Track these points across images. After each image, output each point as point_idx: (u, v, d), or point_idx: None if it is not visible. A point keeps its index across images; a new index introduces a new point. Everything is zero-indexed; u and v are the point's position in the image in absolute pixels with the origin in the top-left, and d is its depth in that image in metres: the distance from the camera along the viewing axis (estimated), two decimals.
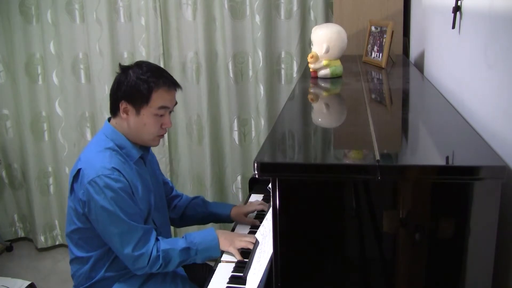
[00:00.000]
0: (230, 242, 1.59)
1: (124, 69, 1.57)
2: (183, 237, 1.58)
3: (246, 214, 1.85)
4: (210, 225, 3.02)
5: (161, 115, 1.56)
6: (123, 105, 1.54)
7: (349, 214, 0.99)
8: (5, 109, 3.12)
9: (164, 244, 1.53)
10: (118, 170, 1.49)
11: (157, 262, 1.50)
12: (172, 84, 1.58)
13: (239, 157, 2.89)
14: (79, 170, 1.51)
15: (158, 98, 1.53)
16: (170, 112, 1.61)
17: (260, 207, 1.87)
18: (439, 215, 0.95)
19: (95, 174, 1.46)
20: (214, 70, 2.80)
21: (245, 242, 1.59)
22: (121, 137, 1.57)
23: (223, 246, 1.59)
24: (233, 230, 1.82)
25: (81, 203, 1.51)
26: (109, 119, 1.63)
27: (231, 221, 1.88)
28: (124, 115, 1.55)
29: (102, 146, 1.55)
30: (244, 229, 1.80)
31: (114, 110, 1.59)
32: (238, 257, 1.56)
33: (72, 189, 1.55)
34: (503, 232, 0.96)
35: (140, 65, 1.57)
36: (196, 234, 1.60)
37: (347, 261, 1.01)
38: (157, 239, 1.54)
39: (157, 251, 1.51)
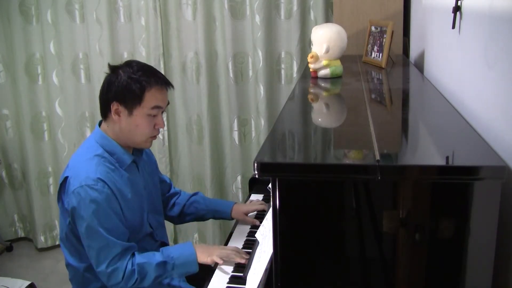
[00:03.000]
0: (208, 254, 1.54)
1: (113, 69, 1.52)
2: (159, 251, 1.53)
3: (246, 213, 1.84)
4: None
5: (154, 115, 1.52)
6: (114, 106, 1.49)
7: (349, 214, 0.99)
8: (5, 109, 3.12)
9: (139, 258, 1.48)
10: (103, 181, 1.44)
11: (132, 277, 1.45)
12: (165, 83, 1.53)
13: (239, 157, 2.89)
14: (66, 178, 1.48)
15: (151, 97, 1.49)
16: (163, 112, 1.57)
17: (261, 207, 1.86)
18: (439, 215, 0.95)
19: (79, 184, 1.42)
20: (214, 70, 2.80)
21: (225, 253, 1.54)
22: (111, 143, 1.53)
23: (201, 259, 1.54)
24: (234, 228, 1.82)
25: (67, 212, 1.48)
26: (99, 123, 1.59)
27: (231, 219, 1.87)
28: (115, 117, 1.50)
29: (91, 152, 1.50)
30: (244, 228, 1.80)
31: (105, 113, 1.53)
32: (220, 263, 1.52)
33: (59, 197, 1.52)
34: (503, 232, 0.96)
35: (130, 64, 1.52)
36: (173, 249, 1.55)
37: (347, 261, 1.01)
38: (132, 254, 1.49)
39: (132, 265, 1.45)
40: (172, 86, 1.58)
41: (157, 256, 1.50)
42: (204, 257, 1.54)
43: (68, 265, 1.62)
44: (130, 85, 1.47)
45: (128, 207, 1.52)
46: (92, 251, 1.45)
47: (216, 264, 1.54)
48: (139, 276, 1.46)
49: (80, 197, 1.42)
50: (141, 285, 1.48)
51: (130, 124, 1.50)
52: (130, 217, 1.53)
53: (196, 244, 1.60)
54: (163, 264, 1.49)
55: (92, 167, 1.46)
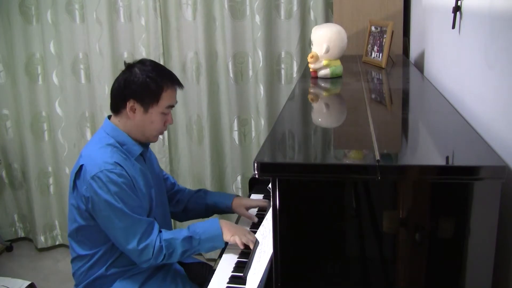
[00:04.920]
0: (233, 233, 1.59)
1: (128, 67, 1.59)
2: (187, 228, 1.59)
3: (247, 207, 1.84)
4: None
5: (166, 113, 1.60)
6: (130, 103, 1.56)
7: (349, 214, 0.99)
8: (5, 109, 3.12)
9: (166, 234, 1.54)
10: (120, 165, 1.50)
11: (161, 253, 1.51)
12: (178, 84, 1.63)
13: (239, 157, 2.89)
14: (81, 166, 1.52)
15: (167, 97, 1.58)
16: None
17: (262, 204, 1.86)
18: (439, 215, 0.95)
19: (98, 169, 1.47)
20: (214, 70, 2.80)
21: (246, 238, 1.58)
22: (122, 134, 1.59)
23: (226, 237, 1.59)
24: (236, 223, 1.82)
25: (84, 199, 1.51)
26: (109, 117, 1.64)
27: (232, 212, 1.87)
28: (130, 113, 1.57)
29: (103, 142, 1.56)
30: (245, 226, 1.79)
31: (118, 108, 1.59)
32: (240, 246, 1.56)
33: (74, 186, 1.55)
34: (503, 232, 0.96)
35: (144, 62, 1.60)
36: (199, 224, 1.61)
37: (347, 261, 1.01)
38: (160, 231, 1.55)
39: (160, 241, 1.52)
40: (183, 86, 1.67)
41: (183, 232, 1.56)
42: (228, 236, 1.59)
43: (75, 258, 1.65)
44: (148, 84, 1.55)
45: (141, 195, 1.56)
46: (119, 232, 1.50)
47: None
48: (166, 251, 1.52)
49: (101, 181, 1.47)
50: (169, 260, 1.55)
51: (145, 120, 1.58)
52: (142, 204, 1.56)
53: (221, 220, 1.64)
54: (189, 239, 1.55)
55: (108, 153, 1.52)
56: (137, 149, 1.61)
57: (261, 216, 1.81)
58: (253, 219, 1.81)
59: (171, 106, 1.61)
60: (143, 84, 1.54)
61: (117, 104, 1.59)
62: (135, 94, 1.55)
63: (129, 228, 1.49)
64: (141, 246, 1.49)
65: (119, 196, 1.47)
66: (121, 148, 1.57)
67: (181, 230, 1.58)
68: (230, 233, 1.59)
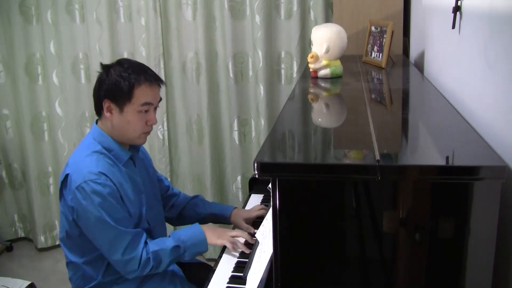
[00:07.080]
0: (218, 236, 1.60)
1: (105, 68, 1.56)
2: (169, 236, 1.58)
3: (246, 219, 1.82)
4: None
5: (146, 111, 1.53)
6: (106, 104, 1.52)
7: (349, 214, 0.99)
8: (5, 109, 3.12)
9: (153, 245, 1.52)
10: (105, 175, 1.47)
11: (148, 264, 1.50)
12: (154, 80, 1.54)
13: (239, 157, 2.89)
14: (67, 175, 1.50)
15: (141, 94, 1.51)
16: (155, 108, 1.58)
17: (261, 213, 1.83)
18: (439, 215, 0.95)
19: (82, 180, 1.44)
20: (214, 70, 2.80)
21: (234, 241, 1.59)
22: (108, 140, 1.55)
23: (210, 240, 1.59)
24: (233, 229, 1.81)
25: (70, 208, 1.50)
26: (97, 121, 1.61)
27: (230, 223, 1.87)
28: (108, 114, 1.53)
29: (90, 149, 1.52)
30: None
31: (98, 110, 1.57)
32: (230, 247, 1.57)
33: (61, 195, 1.54)
34: (503, 232, 0.96)
35: (121, 62, 1.56)
36: (182, 231, 1.60)
37: (347, 261, 1.01)
38: (145, 242, 1.52)
39: (147, 253, 1.50)
40: (163, 82, 1.59)
41: (168, 242, 1.55)
42: (214, 239, 1.60)
43: (68, 263, 1.64)
44: (119, 82, 1.50)
45: (129, 201, 1.54)
46: (103, 243, 1.48)
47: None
48: (154, 263, 1.51)
49: (84, 192, 1.44)
50: (156, 270, 1.54)
51: (122, 121, 1.53)
52: (130, 211, 1.54)
53: (202, 225, 1.66)
54: (176, 248, 1.55)
55: (93, 162, 1.49)
56: (125, 155, 1.57)
57: (259, 220, 1.80)
58: (250, 229, 1.78)
59: (148, 104, 1.52)
60: (114, 83, 1.50)
61: (97, 106, 1.57)
62: (108, 94, 1.51)
63: (113, 240, 1.47)
64: (126, 257, 1.47)
65: (103, 208, 1.44)
66: (108, 154, 1.53)
67: (165, 239, 1.57)
68: (215, 236, 1.60)
